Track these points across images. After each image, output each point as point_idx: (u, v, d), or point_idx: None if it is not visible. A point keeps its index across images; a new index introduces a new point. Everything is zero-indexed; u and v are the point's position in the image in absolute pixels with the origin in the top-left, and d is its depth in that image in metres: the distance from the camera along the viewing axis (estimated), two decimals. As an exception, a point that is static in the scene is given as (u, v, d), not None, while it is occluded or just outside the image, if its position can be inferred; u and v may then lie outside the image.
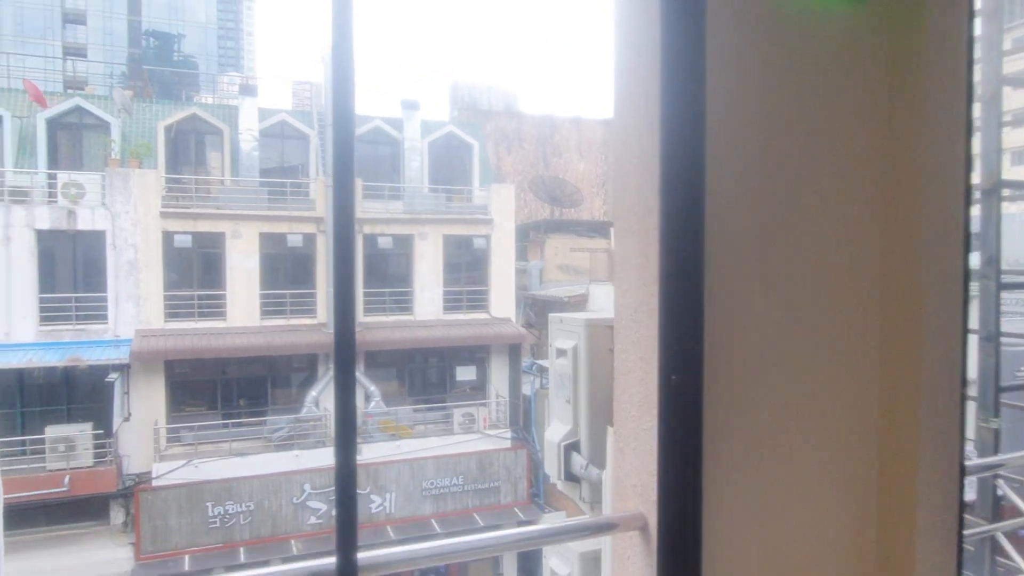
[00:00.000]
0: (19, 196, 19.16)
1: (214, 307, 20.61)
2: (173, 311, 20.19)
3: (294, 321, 21.21)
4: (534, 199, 36.97)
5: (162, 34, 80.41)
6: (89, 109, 20.99)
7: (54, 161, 20.59)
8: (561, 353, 3.13)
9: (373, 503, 20.35)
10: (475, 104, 41.81)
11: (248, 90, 23.09)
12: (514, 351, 23.48)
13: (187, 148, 22.07)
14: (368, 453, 20.43)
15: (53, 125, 20.70)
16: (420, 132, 24.08)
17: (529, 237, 31.07)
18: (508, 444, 22.10)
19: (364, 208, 22.00)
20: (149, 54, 77.64)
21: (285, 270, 21.65)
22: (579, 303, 24.90)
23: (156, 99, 25.30)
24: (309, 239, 21.43)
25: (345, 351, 1.33)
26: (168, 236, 19.98)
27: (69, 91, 31.63)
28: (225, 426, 20.13)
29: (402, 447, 20.70)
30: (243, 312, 20.68)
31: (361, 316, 21.73)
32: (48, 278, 19.19)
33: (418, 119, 24.19)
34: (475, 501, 21.47)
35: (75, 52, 75.28)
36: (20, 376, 18.77)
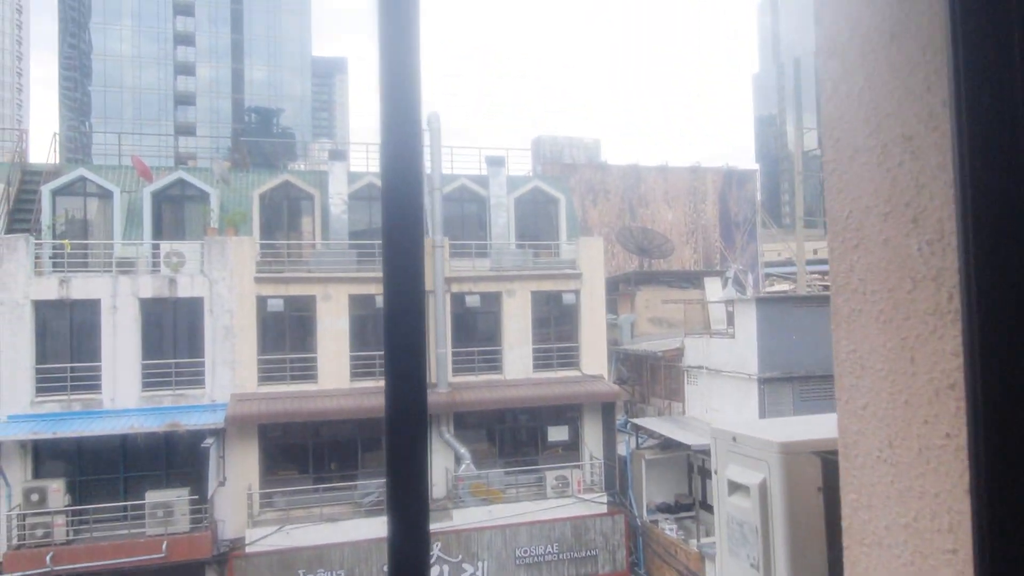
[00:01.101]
0: (126, 267, 20.00)
1: (305, 370, 20.72)
2: (266, 375, 20.39)
3: (383, 383, 20.94)
4: (622, 251, 36.18)
5: (263, 110, 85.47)
6: (190, 181, 21.92)
7: (158, 231, 21.49)
8: (737, 489, 2.31)
9: (465, 572, 19.55)
10: (558, 157, 41.82)
11: (338, 155, 23.66)
12: (607, 409, 22.47)
13: (280, 214, 22.65)
14: (459, 518, 19.75)
15: (157, 197, 21.68)
16: (506, 188, 23.93)
17: (618, 290, 30.24)
18: (604, 509, 20.93)
19: (452, 267, 21.85)
20: (251, 128, 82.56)
21: (375, 331, 21.60)
22: (674, 358, 23.77)
23: (253, 168, 26.30)
24: (397, 299, 21.34)
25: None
26: (262, 301, 20.33)
27: (180, 166, 33.52)
28: (316, 490, 19.94)
29: (494, 512, 19.91)
30: (334, 374, 20.68)
31: (450, 376, 21.35)
32: (150, 344, 19.79)
33: (504, 175, 24.08)
34: (571, 570, 20.32)
35: (185, 130, 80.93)
36: (123, 441, 19.23)
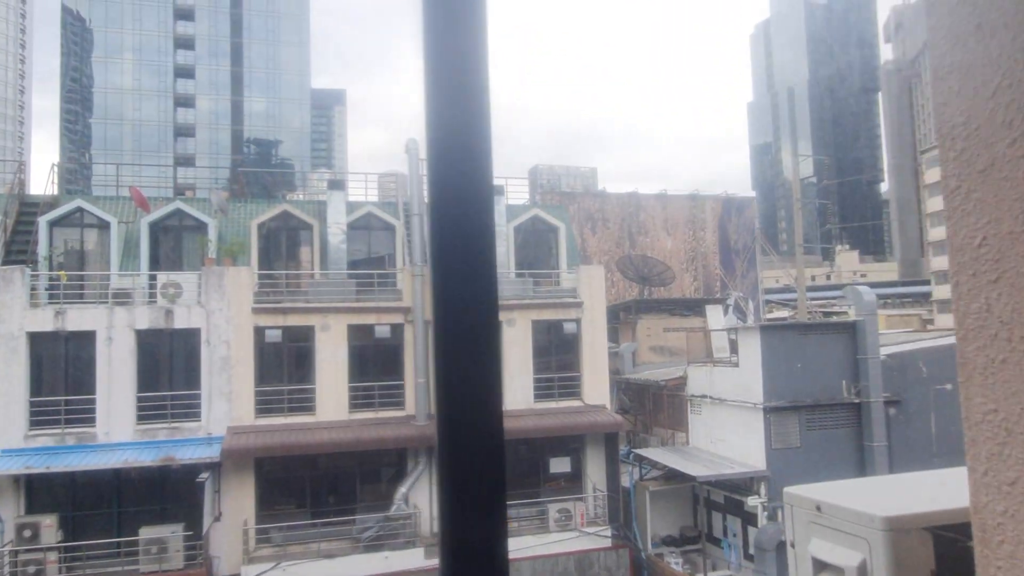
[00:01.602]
0: (122, 298, 19.76)
1: (303, 401, 20.40)
2: (263, 407, 20.07)
3: (383, 414, 20.71)
4: (621, 279, 36.05)
5: (262, 141, 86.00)
6: (188, 212, 21.78)
7: (155, 262, 21.30)
8: (824, 569, 2.01)
9: (466, 609, 19.03)
10: (555, 186, 41.91)
11: (336, 185, 23.59)
12: (610, 440, 22.10)
13: (278, 244, 22.50)
14: (460, 554, 19.29)
15: (155, 228, 21.53)
16: (505, 217, 23.82)
17: (619, 318, 30.02)
18: (608, 542, 20.48)
19: (451, 296, 21.64)
20: (250, 159, 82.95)
21: (373, 361, 21.34)
22: (677, 387, 23.48)
23: (251, 199, 26.22)
24: (397, 329, 21.13)
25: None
26: (259, 331, 20.08)
27: (178, 196, 33.48)
28: (314, 525, 19.49)
29: (496, 547, 19.43)
30: (332, 406, 20.36)
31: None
32: (146, 376, 19.47)
33: (503, 203, 23.99)
34: (575, 607, 19.80)
35: (185, 162, 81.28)
36: (117, 476, 18.84)
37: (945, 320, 66.14)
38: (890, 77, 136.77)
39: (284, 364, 20.63)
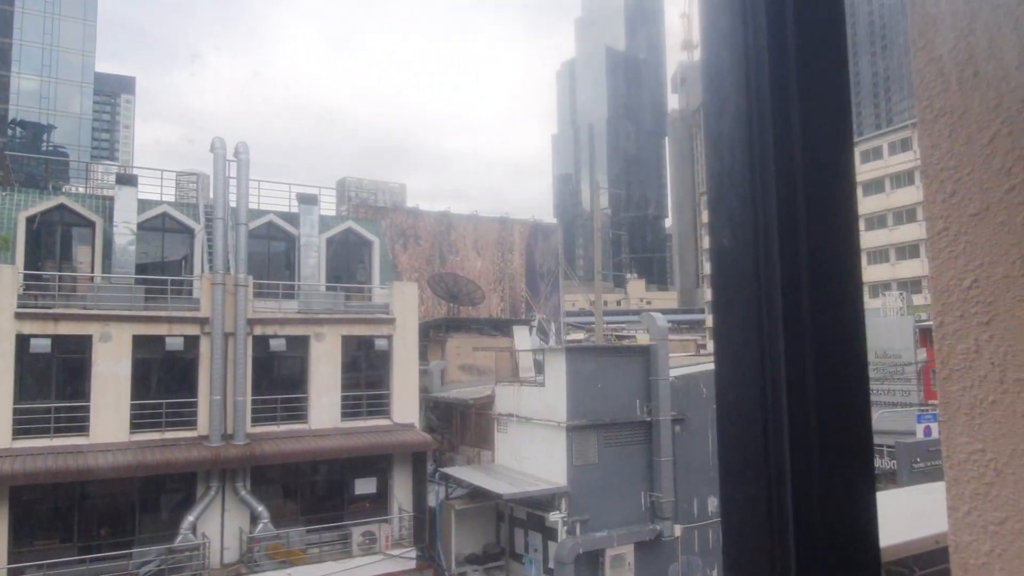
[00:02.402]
0: None
1: (75, 421, 18.06)
2: (24, 427, 17.50)
3: (170, 435, 18.90)
4: (431, 296, 36.14)
5: (31, 124, 76.06)
6: (-65, 198, 18.62)
7: None
8: None
9: (258, 643, 17.80)
10: (364, 200, 41.32)
11: (126, 180, 21.35)
12: (418, 459, 21.90)
13: (52, 241, 19.89)
14: (253, 584, 18.04)
15: None
16: (317, 228, 22.95)
17: (429, 336, 29.98)
18: (413, 564, 20.20)
19: (255, 308, 20.38)
20: (16, 143, 72.98)
21: (162, 377, 19.47)
22: (485, 406, 23.86)
23: (18, 188, 22.96)
24: (192, 341, 19.46)
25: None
26: (23, 340, 17.55)
27: (-87, 179, 28.36)
28: (82, 561, 17.22)
29: None
30: (110, 426, 18.23)
31: (248, 426, 19.70)
32: None
33: (316, 214, 23.11)
34: (376, 632, 19.26)
35: (-74, 140, 69.60)
36: None
37: (717, 345, 73.68)
38: (675, 124, 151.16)
39: (53, 378, 18.18)
